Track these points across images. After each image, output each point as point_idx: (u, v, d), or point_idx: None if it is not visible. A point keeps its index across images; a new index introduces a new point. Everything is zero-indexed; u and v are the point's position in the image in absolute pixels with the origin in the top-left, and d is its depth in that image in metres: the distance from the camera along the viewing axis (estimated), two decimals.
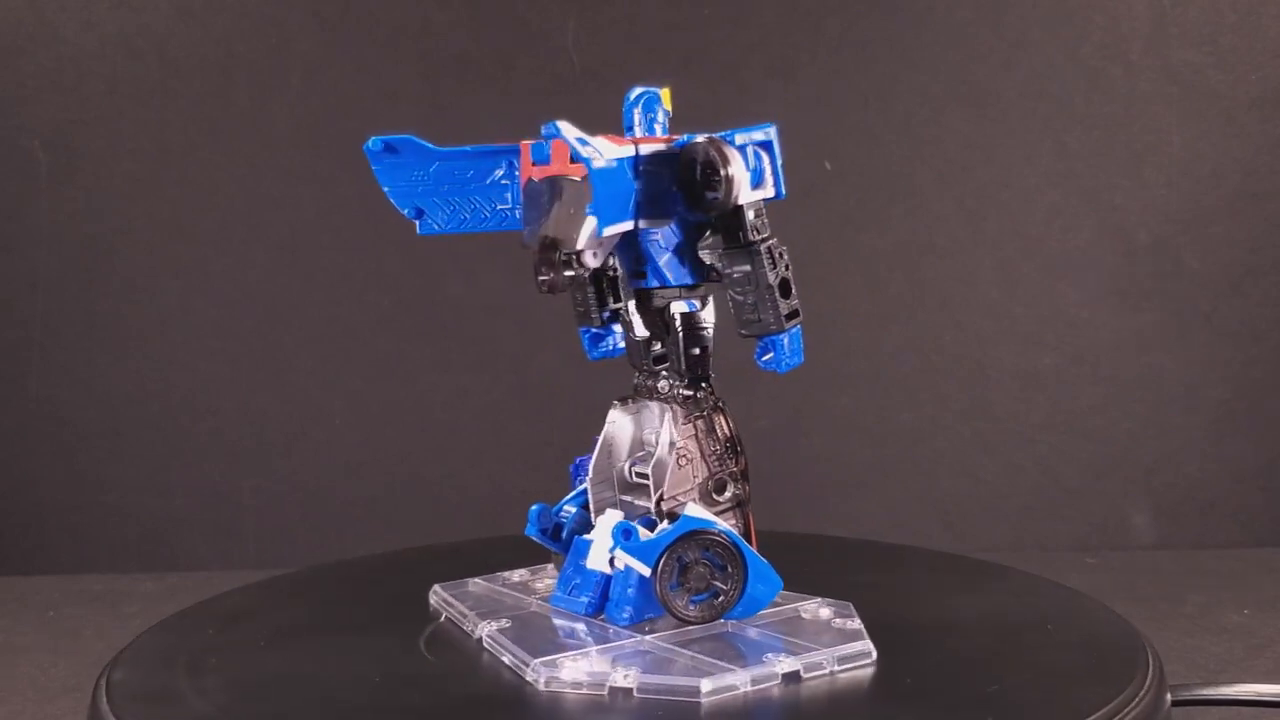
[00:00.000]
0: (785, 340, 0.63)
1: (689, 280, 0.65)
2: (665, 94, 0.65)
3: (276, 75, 1.34)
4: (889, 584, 0.73)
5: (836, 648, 0.62)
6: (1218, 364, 1.34)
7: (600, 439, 0.67)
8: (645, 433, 0.67)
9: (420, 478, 1.34)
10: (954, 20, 1.33)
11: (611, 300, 0.68)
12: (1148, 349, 1.34)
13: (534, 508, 0.68)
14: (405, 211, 0.64)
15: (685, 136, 0.62)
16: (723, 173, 0.61)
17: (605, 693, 0.58)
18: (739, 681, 0.59)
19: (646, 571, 0.62)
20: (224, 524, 1.36)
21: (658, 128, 0.65)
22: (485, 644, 0.64)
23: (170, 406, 1.36)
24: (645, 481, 0.65)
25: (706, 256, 0.64)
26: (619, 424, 0.67)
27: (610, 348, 0.70)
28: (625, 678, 0.58)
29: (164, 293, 1.35)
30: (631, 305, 0.67)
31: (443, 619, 0.69)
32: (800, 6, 1.34)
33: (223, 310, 1.36)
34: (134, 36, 1.33)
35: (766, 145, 0.62)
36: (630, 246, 0.64)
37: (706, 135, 0.62)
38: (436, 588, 0.71)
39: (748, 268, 0.62)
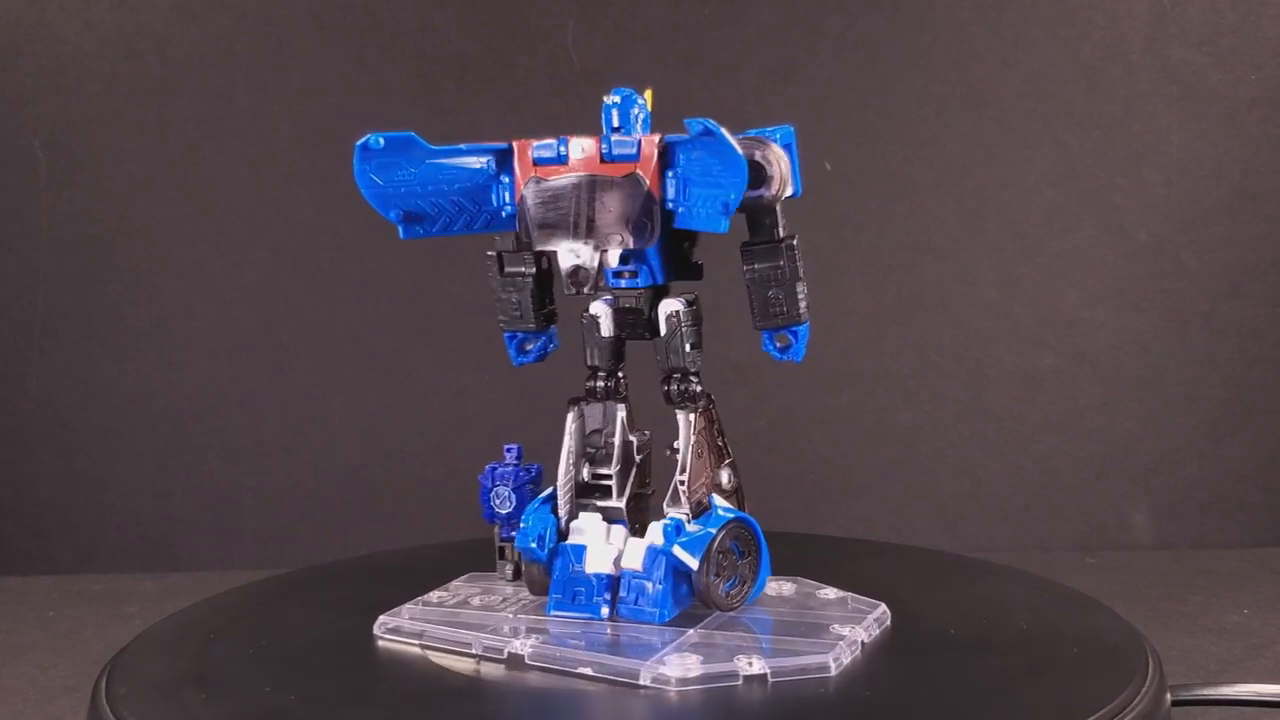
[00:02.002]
0: (803, 330, 0.65)
1: (673, 278, 0.66)
2: (648, 95, 0.65)
3: (276, 75, 1.34)
4: (889, 584, 0.73)
5: (870, 613, 0.66)
6: (1218, 364, 1.34)
7: (565, 444, 0.66)
8: (603, 434, 0.67)
9: (420, 478, 1.34)
10: (954, 20, 1.33)
11: (547, 302, 0.67)
12: (1148, 349, 1.34)
13: (530, 520, 0.66)
14: (390, 215, 0.63)
15: None
16: (773, 172, 0.62)
17: (740, 682, 0.59)
18: (844, 655, 0.61)
19: (695, 565, 0.62)
20: (224, 524, 1.36)
21: (638, 128, 0.65)
22: (530, 660, 0.61)
23: (170, 406, 1.36)
24: (607, 483, 0.66)
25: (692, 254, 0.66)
26: (580, 426, 0.67)
27: (539, 352, 0.69)
28: (751, 665, 0.59)
29: (164, 293, 1.35)
30: (601, 305, 0.66)
31: (419, 644, 0.66)
32: (800, 6, 1.34)
33: (223, 310, 1.36)
34: (134, 36, 1.33)
35: (788, 146, 0.63)
36: None
37: (742, 135, 0.63)
38: (383, 619, 0.68)
39: (779, 263, 0.64)
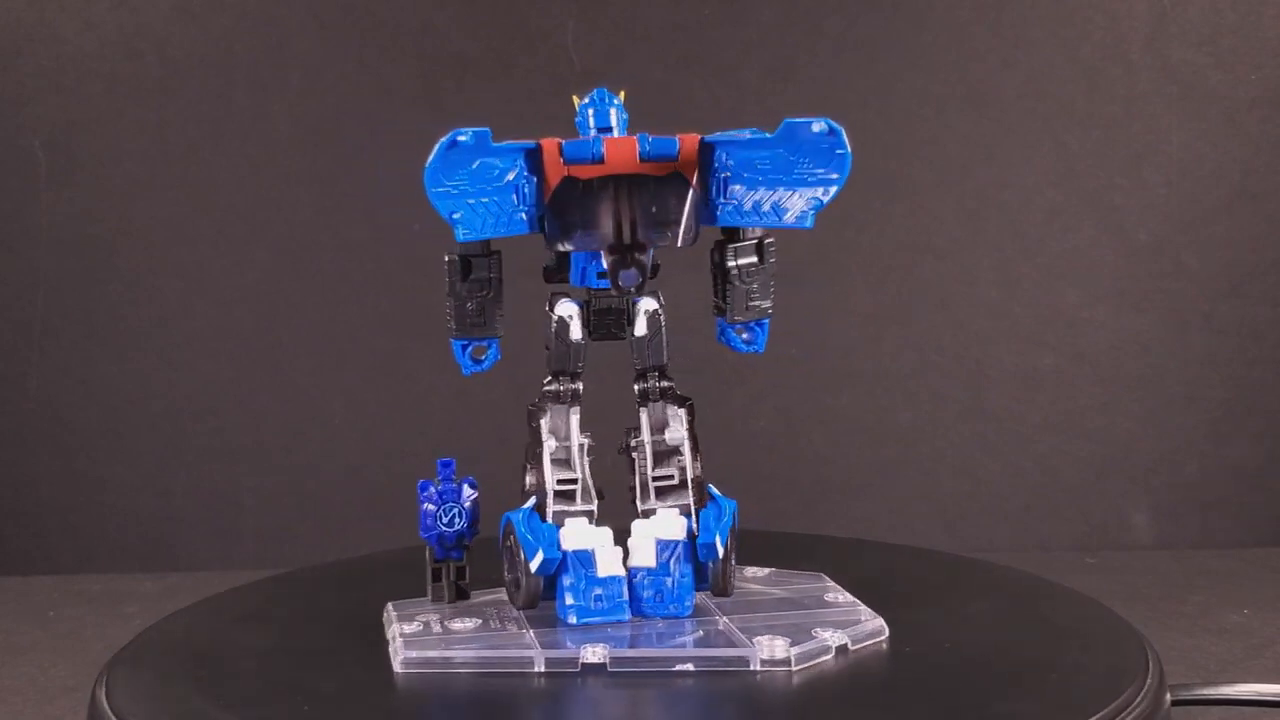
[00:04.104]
0: (767, 322, 0.66)
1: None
2: (622, 96, 0.65)
3: (276, 75, 1.34)
4: (888, 584, 0.73)
5: (828, 581, 0.70)
6: (1218, 364, 1.34)
7: (546, 452, 0.65)
8: (561, 439, 0.66)
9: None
10: (954, 20, 1.33)
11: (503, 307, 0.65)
12: (1148, 349, 1.34)
13: (541, 534, 0.63)
14: (450, 214, 0.61)
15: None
16: None
17: (832, 655, 0.61)
18: (882, 620, 0.65)
19: (721, 553, 0.64)
20: (224, 524, 1.36)
21: (616, 129, 0.64)
22: (611, 668, 0.60)
23: (170, 406, 1.36)
24: (572, 487, 0.65)
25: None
26: (552, 432, 0.66)
27: (493, 359, 0.66)
28: (834, 637, 0.62)
29: (164, 293, 1.35)
30: (571, 305, 0.65)
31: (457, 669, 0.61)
32: (800, 6, 1.34)
33: (223, 310, 1.35)
34: (134, 36, 1.33)
35: None
36: None
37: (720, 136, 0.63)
38: (404, 657, 0.62)
39: (760, 259, 0.65)
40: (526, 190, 0.63)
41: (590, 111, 0.64)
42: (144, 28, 1.33)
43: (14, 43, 1.33)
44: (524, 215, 0.63)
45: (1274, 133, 1.32)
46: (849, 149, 0.61)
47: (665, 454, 0.66)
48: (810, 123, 0.61)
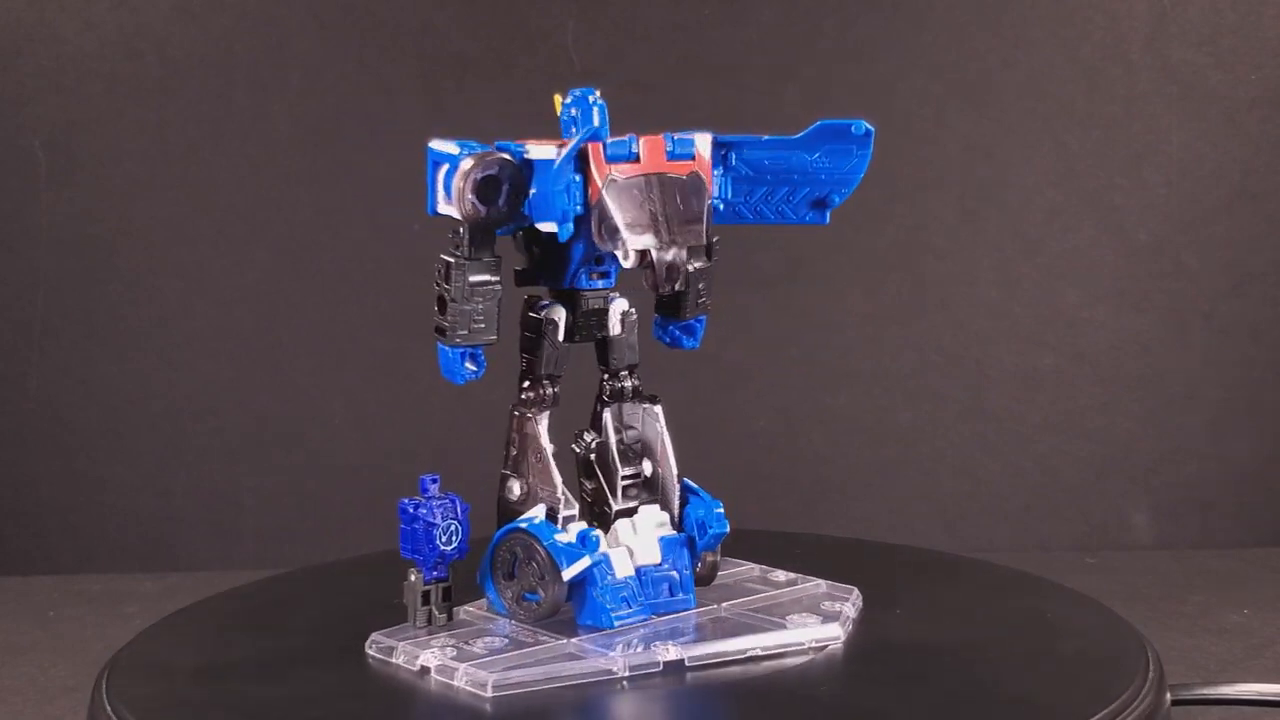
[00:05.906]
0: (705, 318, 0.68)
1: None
2: (597, 94, 0.66)
3: (276, 75, 1.34)
4: (887, 583, 0.73)
5: (749, 563, 0.73)
6: (1218, 364, 1.34)
7: (550, 460, 0.65)
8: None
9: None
10: (954, 20, 1.33)
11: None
12: (1148, 349, 1.34)
13: (582, 543, 0.63)
14: (558, 215, 0.62)
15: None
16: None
17: (851, 628, 0.65)
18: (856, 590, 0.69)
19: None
20: (224, 524, 1.36)
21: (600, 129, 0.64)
22: (689, 664, 0.60)
23: (170, 406, 1.36)
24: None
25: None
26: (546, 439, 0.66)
27: (483, 366, 0.64)
28: (848, 609, 0.66)
29: (164, 293, 1.35)
30: (561, 311, 0.65)
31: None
32: (800, 6, 1.34)
33: (223, 310, 1.36)
34: (134, 36, 1.33)
35: None
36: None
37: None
38: (495, 681, 0.59)
39: (709, 259, 0.66)
40: (573, 190, 0.63)
41: (575, 111, 0.64)
42: (144, 28, 1.33)
43: (14, 43, 1.33)
44: (576, 214, 0.63)
45: (1274, 133, 1.32)
46: (870, 151, 0.62)
47: (626, 452, 0.66)
48: (849, 124, 0.62)
